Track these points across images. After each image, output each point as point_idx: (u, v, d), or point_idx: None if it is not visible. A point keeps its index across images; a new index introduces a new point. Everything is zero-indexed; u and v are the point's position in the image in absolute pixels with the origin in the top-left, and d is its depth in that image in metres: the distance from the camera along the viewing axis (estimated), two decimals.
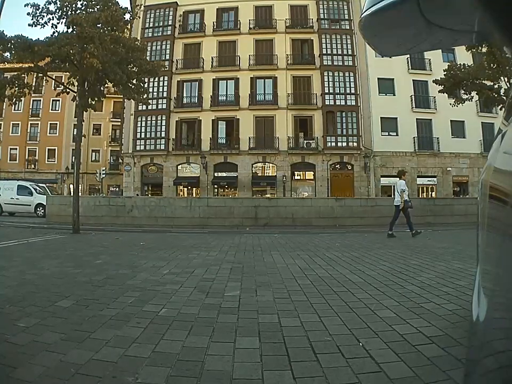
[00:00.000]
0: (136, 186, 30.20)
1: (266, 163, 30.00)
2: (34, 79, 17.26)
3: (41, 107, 40.92)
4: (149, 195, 29.04)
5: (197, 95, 30.50)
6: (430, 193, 29.87)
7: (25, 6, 10.72)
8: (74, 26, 10.53)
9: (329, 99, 29.09)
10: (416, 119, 29.17)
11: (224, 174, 29.82)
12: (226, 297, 3.55)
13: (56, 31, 11.00)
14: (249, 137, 29.25)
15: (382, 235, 10.15)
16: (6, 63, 13.49)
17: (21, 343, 2.33)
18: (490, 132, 26.71)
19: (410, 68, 29.45)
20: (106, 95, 14.20)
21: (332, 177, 28.90)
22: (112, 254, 6.65)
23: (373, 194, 28.00)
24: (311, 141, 29.25)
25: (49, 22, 10.79)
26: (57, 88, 13.29)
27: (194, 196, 29.25)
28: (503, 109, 1.19)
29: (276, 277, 4.55)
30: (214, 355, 2.18)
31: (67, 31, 10.94)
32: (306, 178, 30.23)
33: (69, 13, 10.77)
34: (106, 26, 11.13)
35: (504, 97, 15.45)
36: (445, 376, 1.88)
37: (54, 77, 12.55)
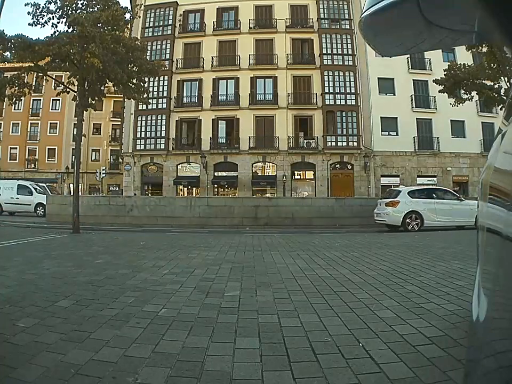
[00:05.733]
0: (136, 186, 30.20)
1: (267, 163, 30.00)
2: (34, 78, 17.26)
3: (41, 106, 40.92)
4: (149, 195, 29.05)
5: (197, 94, 30.49)
6: None
7: (25, 5, 10.72)
8: (75, 26, 10.53)
9: (329, 99, 29.08)
10: (416, 118, 29.16)
11: (224, 174, 29.82)
12: (226, 297, 3.55)
13: (57, 30, 11.01)
14: (249, 137, 29.24)
15: (382, 235, 10.15)
16: (6, 62, 13.51)
17: (21, 343, 2.33)
18: (490, 131, 26.70)
19: (410, 67, 29.43)
20: (107, 95, 14.19)
21: (332, 177, 28.90)
22: (112, 253, 6.65)
23: (373, 194, 27.98)
24: (311, 141, 29.25)
25: (49, 21, 10.80)
26: (57, 88, 13.29)
27: (194, 195, 29.26)
28: (503, 109, 1.18)
29: (275, 277, 4.54)
30: (214, 355, 2.18)
31: (67, 30, 10.94)
32: (306, 178, 30.23)
33: (69, 12, 10.77)
34: (106, 25, 11.12)
35: (504, 97, 15.44)
36: (445, 376, 1.88)
37: (54, 77, 12.55)
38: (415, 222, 12.75)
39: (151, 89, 26.02)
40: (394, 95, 29.45)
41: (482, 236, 0.92)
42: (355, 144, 28.70)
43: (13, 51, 11.01)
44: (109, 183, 39.13)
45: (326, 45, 29.88)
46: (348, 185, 28.23)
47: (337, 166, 29.44)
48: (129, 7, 14.69)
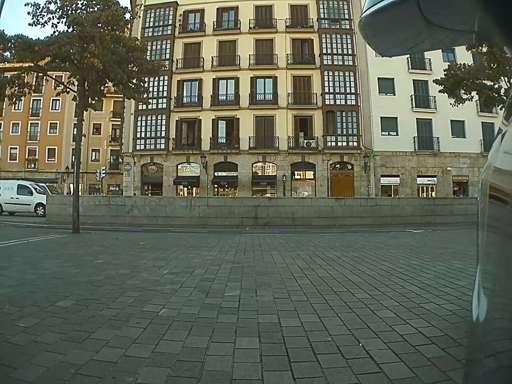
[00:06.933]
0: (136, 186, 30.21)
1: (267, 163, 30.01)
2: (34, 78, 17.26)
3: (41, 106, 40.92)
4: (149, 195, 29.06)
5: (197, 94, 30.50)
6: (430, 193, 29.88)
7: (25, 5, 10.71)
8: (75, 26, 10.52)
9: (329, 99, 29.09)
10: (416, 118, 29.18)
11: (224, 174, 29.83)
12: (226, 297, 3.55)
13: (57, 30, 11.00)
14: (249, 137, 29.25)
15: (382, 235, 10.15)
16: (6, 62, 13.50)
17: (21, 343, 2.33)
18: (490, 131, 26.72)
19: (410, 67, 29.45)
20: (106, 95, 14.18)
21: (332, 177, 28.91)
22: (112, 253, 6.65)
23: (373, 194, 28.00)
24: (311, 141, 29.26)
25: (49, 21, 10.78)
26: (57, 88, 13.28)
27: (194, 195, 29.25)
28: (503, 109, 1.18)
29: (275, 277, 4.54)
30: (214, 355, 2.18)
31: (67, 30, 10.94)
32: (307, 178, 30.24)
33: (69, 12, 10.76)
34: (106, 25, 11.12)
35: (504, 97, 15.45)
36: (445, 376, 1.88)
37: (54, 77, 12.54)
38: None
39: (151, 89, 26.06)
40: (394, 95, 29.47)
41: (482, 236, 0.92)
42: (355, 144, 28.71)
43: (13, 51, 11.00)
44: (109, 183, 39.13)
45: (326, 45, 29.89)
46: (348, 185, 28.24)
47: (337, 166, 29.45)
48: (129, 7, 14.67)
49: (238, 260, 5.93)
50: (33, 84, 13.51)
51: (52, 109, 40.87)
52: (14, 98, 11.26)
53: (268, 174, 30.09)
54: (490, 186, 0.80)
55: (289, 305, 3.28)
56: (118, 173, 37.03)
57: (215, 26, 31.07)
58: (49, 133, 41.32)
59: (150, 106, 27.65)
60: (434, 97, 27.22)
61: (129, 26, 14.08)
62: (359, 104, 28.94)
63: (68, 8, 10.78)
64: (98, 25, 10.94)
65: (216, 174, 29.76)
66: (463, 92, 18.04)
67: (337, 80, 29.26)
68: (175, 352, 2.21)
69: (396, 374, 1.93)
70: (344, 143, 28.84)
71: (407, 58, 28.45)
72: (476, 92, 17.30)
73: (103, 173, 32.73)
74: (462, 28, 0.83)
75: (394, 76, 28.94)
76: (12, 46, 10.71)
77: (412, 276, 4.57)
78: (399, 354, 2.17)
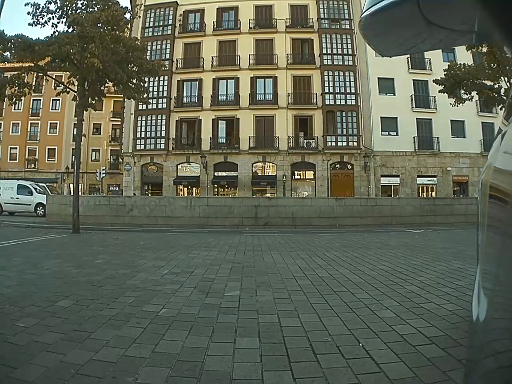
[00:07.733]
0: (136, 186, 30.20)
1: (267, 162, 30.00)
2: (34, 78, 17.26)
3: (41, 106, 40.92)
4: (149, 194, 29.05)
5: (197, 94, 30.49)
6: (430, 193, 29.87)
7: (25, 5, 10.72)
8: (75, 26, 10.53)
9: (329, 99, 29.08)
10: (416, 118, 29.16)
11: (224, 174, 29.82)
12: (226, 297, 3.55)
13: (57, 30, 11.01)
14: (249, 137, 29.25)
15: (382, 235, 10.14)
16: (6, 62, 13.51)
17: (21, 343, 2.33)
18: (490, 131, 26.71)
19: (410, 67, 29.44)
20: (106, 95, 14.18)
21: (332, 177, 28.91)
22: (112, 253, 6.65)
23: (373, 194, 28.00)
24: (311, 141, 29.26)
25: (49, 21, 10.79)
26: (57, 88, 13.29)
27: (194, 195, 29.25)
28: (503, 109, 1.18)
29: (275, 277, 4.54)
30: (214, 355, 2.18)
31: (67, 30, 10.94)
32: (307, 178, 30.23)
33: (69, 12, 10.77)
34: (106, 25, 11.12)
35: (504, 97, 15.45)
36: (445, 376, 1.88)
37: (54, 77, 12.54)
38: None
39: (151, 89, 26.04)
40: (394, 95, 29.45)
41: (482, 236, 0.92)
42: (355, 144, 28.70)
43: (13, 51, 11.01)
44: (109, 183, 39.12)
45: (326, 45, 29.87)
46: (348, 185, 28.24)
47: (337, 166, 29.44)
48: (129, 7, 14.67)
49: (238, 260, 5.93)
50: (33, 84, 13.52)
51: (51, 109, 40.87)
52: (14, 98, 11.26)
53: (268, 174, 30.08)
54: (490, 186, 0.80)
55: (289, 305, 3.28)
56: (118, 173, 37.01)
57: (215, 26, 31.06)
58: (49, 133, 41.31)
59: (150, 106, 27.66)
60: (434, 97, 27.21)
61: (129, 26, 14.08)
62: (359, 104, 28.93)
63: (68, 8, 10.78)
64: (98, 25, 10.94)
65: (216, 174, 29.75)
66: (463, 92, 18.03)
67: (337, 80, 29.24)
68: (175, 352, 2.21)
69: (395, 374, 1.93)
70: (344, 143, 28.83)
71: (407, 58, 28.43)
72: (476, 91, 17.29)
73: (103, 173, 32.72)
74: (462, 28, 0.83)
75: (394, 76, 28.93)
76: (12, 46, 10.71)
77: (412, 275, 4.58)
78: (399, 354, 2.17)
